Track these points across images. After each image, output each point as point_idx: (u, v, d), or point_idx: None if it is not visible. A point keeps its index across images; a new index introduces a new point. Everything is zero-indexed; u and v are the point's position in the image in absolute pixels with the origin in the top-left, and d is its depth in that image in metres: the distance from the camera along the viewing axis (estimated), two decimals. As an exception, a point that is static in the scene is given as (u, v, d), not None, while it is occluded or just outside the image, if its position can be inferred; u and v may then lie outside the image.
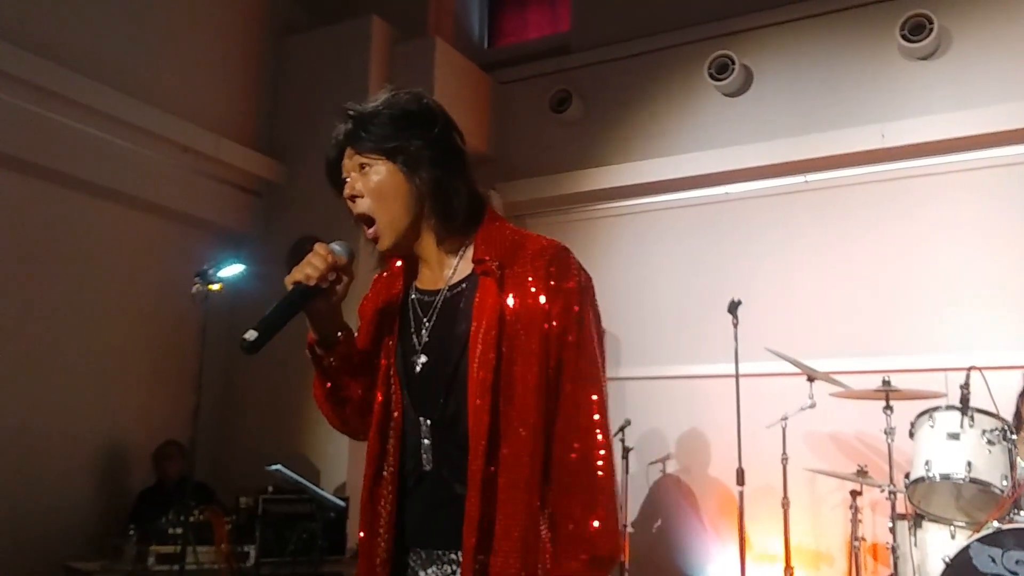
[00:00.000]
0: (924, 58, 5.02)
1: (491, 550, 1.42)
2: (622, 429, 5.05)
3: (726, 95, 5.56)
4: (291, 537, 4.29)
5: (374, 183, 1.54)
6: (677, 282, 5.56)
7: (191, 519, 4.11)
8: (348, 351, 1.62)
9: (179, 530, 4.08)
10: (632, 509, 5.20)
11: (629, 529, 4.97)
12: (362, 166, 1.55)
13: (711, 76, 5.45)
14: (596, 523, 1.44)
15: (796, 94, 5.38)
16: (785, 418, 4.46)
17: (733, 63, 5.39)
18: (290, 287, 1.51)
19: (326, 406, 1.69)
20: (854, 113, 5.13)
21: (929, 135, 4.88)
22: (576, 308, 1.51)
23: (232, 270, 4.25)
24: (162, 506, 4.38)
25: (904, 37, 4.93)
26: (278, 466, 4.09)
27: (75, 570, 4.10)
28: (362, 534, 1.58)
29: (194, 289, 4.05)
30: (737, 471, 4.47)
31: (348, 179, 1.57)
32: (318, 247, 1.54)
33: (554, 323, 1.49)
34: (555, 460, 1.47)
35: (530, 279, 1.50)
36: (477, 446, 1.45)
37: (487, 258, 1.53)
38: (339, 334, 1.60)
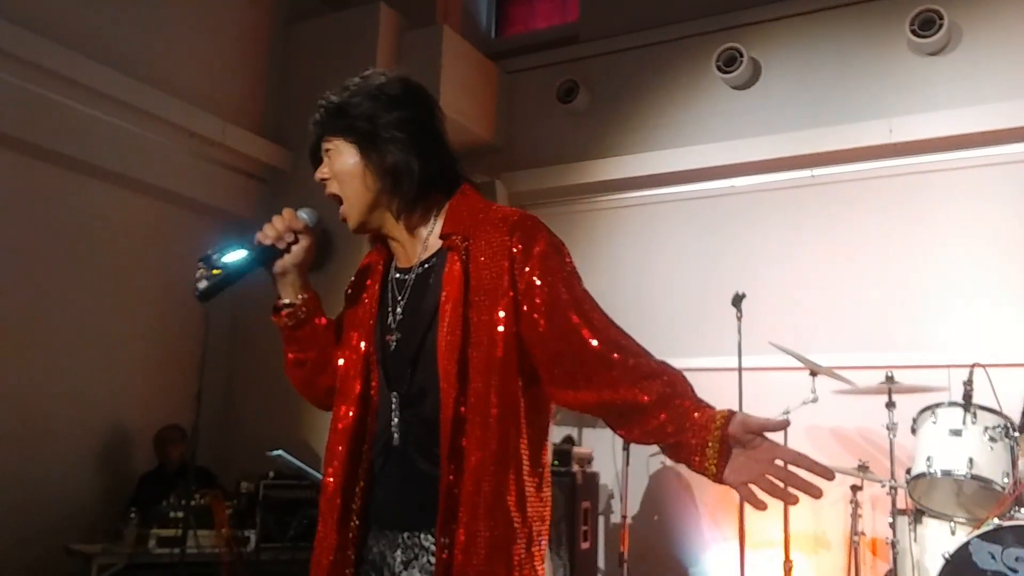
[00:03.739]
0: (933, 54, 4.99)
1: (456, 526, 1.42)
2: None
3: (734, 88, 5.54)
4: (292, 522, 4.30)
5: (337, 165, 1.60)
6: (681, 274, 5.56)
7: (192, 503, 4.12)
8: (306, 315, 1.70)
9: (180, 514, 4.09)
10: (632, 501, 5.20)
11: (629, 521, 4.97)
12: (327, 150, 1.61)
13: (719, 68, 5.43)
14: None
15: (804, 88, 5.36)
16: (787, 412, 4.45)
17: (741, 56, 5.37)
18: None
19: (290, 372, 1.78)
20: (862, 108, 5.11)
21: (937, 131, 4.86)
22: (549, 263, 1.50)
23: (236, 255, 4.24)
24: (163, 490, 4.39)
25: (914, 32, 4.91)
26: (279, 452, 4.10)
27: (76, 552, 4.12)
28: (327, 509, 1.58)
29: (198, 274, 4.05)
30: (738, 465, 4.46)
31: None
32: (284, 211, 1.64)
33: (521, 285, 1.49)
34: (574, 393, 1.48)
35: (493, 252, 1.51)
36: (446, 420, 1.45)
37: (452, 232, 1.55)
38: (300, 297, 1.69)
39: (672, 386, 1.43)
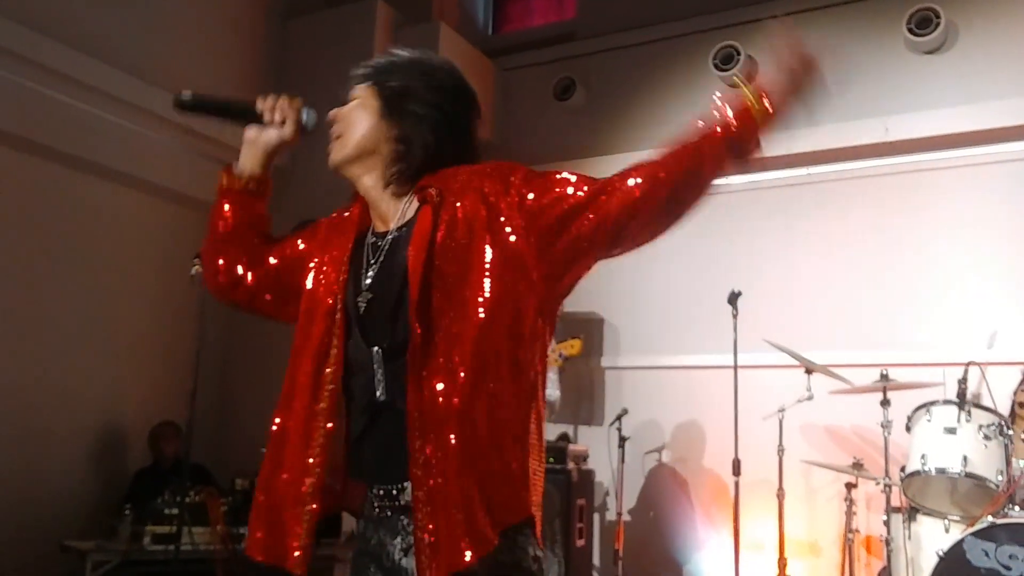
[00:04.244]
0: (930, 52, 5.00)
1: (431, 478, 1.39)
2: (619, 418, 5.06)
3: (730, 86, 5.53)
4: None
5: (352, 105, 1.62)
6: (677, 272, 5.55)
7: (187, 500, 4.11)
8: (247, 187, 1.73)
9: (175, 511, 4.08)
10: (627, 498, 5.21)
11: (625, 518, 4.98)
12: (355, 97, 1.63)
13: (716, 66, 5.43)
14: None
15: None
16: (782, 410, 4.47)
17: (738, 53, 5.37)
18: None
19: (204, 251, 1.78)
20: (858, 106, 5.10)
21: (933, 129, 4.87)
22: (535, 176, 1.57)
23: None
24: (158, 486, 4.38)
25: (910, 31, 4.91)
26: (275, 449, 4.09)
27: (71, 548, 4.11)
28: (276, 471, 1.56)
29: (193, 270, 4.04)
30: (733, 462, 4.48)
31: None
32: (292, 98, 1.69)
33: (503, 208, 1.50)
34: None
35: (467, 195, 1.52)
36: (413, 373, 1.43)
37: (427, 185, 1.55)
38: (253, 171, 1.72)
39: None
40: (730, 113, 1.52)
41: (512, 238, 1.49)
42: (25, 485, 4.49)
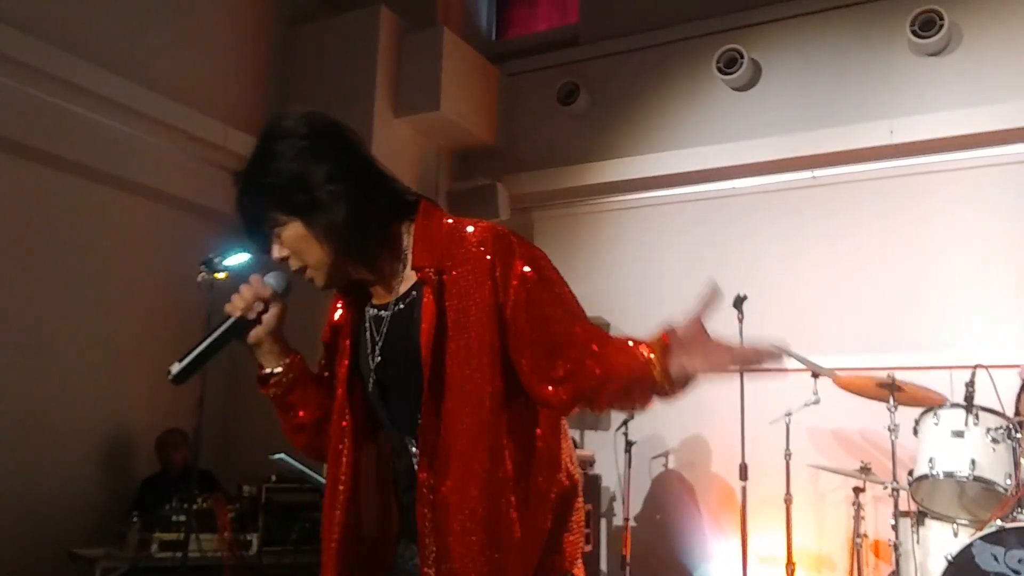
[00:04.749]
0: (934, 54, 4.99)
1: (440, 558, 1.45)
2: (625, 423, 5.06)
3: (734, 89, 5.54)
4: (294, 526, 4.30)
5: (289, 243, 1.54)
6: (682, 276, 5.54)
7: (194, 507, 4.11)
8: (292, 380, 1.67)
9: (182, 518, 4.09)
10: (634, 504, 5.20)
11: (631, 523, 4.97)
12: (275, 233, 1.55)
13: (719, 70, 5.43)
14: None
15: (805, 89, 5.35)
16: (789, 414, 4.46)
17: (742, 57, 5.37)
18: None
19: (292, 439, 1.76)
20: (863, 109, 5.11)
21: (938, 132, 4.86)
22: (532, 278, 1.49)
23: (238, 259, 4.25)
24: (166, 494, 4.39)
25: (914, 33, 4.91)
26: (281, 455, 4.09)
27: (79, 556, 4.12)
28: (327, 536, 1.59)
29: (200, 277, 4.05)
30: (740, 467, 4.47)
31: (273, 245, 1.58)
32: (251, 278, 1.62)
33: (508, 309, 1.48)
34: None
35: (471, 278, 1.49)
36: (422, 458, 1.47)
37: (425, 265, 1.52)
38: (283, 363, 1.66)
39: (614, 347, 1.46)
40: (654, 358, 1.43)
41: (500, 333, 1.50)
42: (33, 492, 4.49)
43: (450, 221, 1.57)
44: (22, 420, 4.53)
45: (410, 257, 1.56)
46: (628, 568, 4.82)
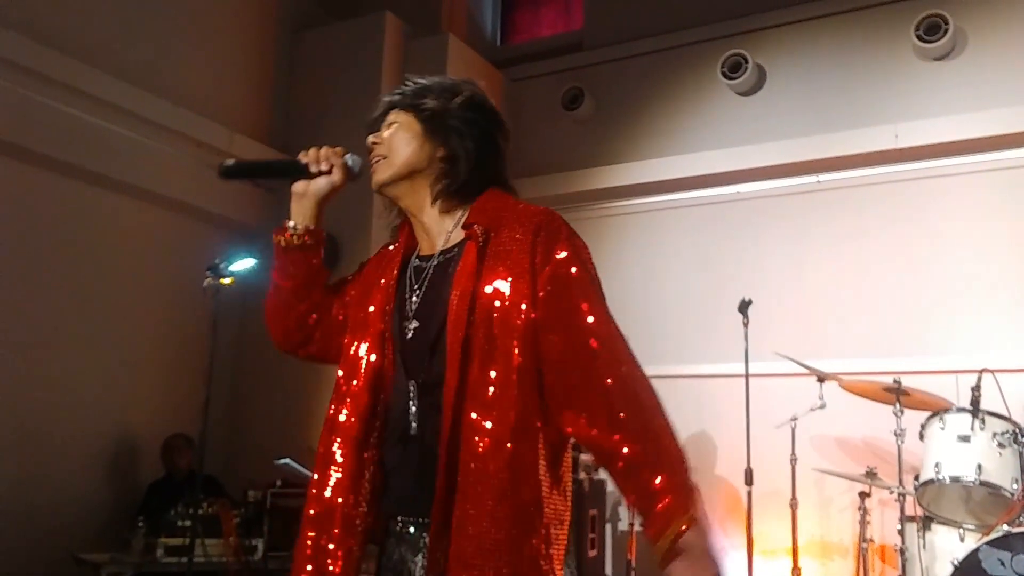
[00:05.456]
0: (939, 58, 4.99)
1: (451, 523, 1.42)
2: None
3: (739, 94, 5.54)
4: (299, 531, 4.30)
5: (394, 129, 1.65)
6: (688, 281, 5.55)
7: (200, 512, 4.12)
8: (304, 243, 1.70)
9: (188, 523, 4.09)
10: (640, 508, 5.18)
11: (637, 528, 4.96)
12: (392, 122, 1.66)
13: (724, 75, 5.43)
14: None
15: (809, 93, 5.35)
16: (794, 419, 4.45)
17: (746, 62, 5.37)
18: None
19: (268, 298, 1.78)
20: (868, 113, 5.10)
21: (943, 136, 4.85)
22: (566, 271, 1.51)
23: (243, 264, 4.26)
24: (171, 498, 4.40)
25: (919, 37, 4.91)
26: (286, 460, 4.10)
27: (85, 561, 4.13)
28: (330, 494, 1.56)
29: (205, 283, 4.06)
30: (746, 471, 4.46)
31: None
32: (336, 148, 1.71)
33: (542, 289, 1.50)
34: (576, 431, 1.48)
35: (515, 247, 1.52)
36: (447, 414, 1.46)
37: (475, 222, 1.57)
38: (307, 226, 1.70)
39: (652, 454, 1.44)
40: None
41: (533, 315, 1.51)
42: (38, 497, 4.50)
43: (513, 200, 1.65)
44: (28, 425, 4.54)
45: (464, 218, 1.62)
46: (633, 572, 4.81)
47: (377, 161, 1.65)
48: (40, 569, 4.31)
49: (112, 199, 5.05)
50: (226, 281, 4.12)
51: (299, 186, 1.69)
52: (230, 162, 1.68)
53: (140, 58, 5.08)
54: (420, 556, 1.50)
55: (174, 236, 5.39)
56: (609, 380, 1.46)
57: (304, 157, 1.68)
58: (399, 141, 1.63)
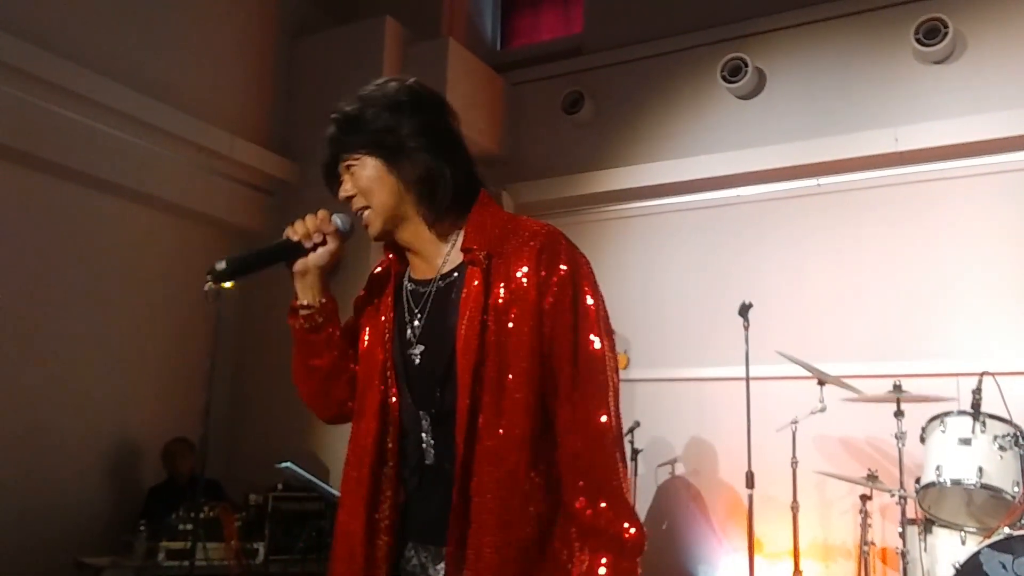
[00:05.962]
0: (938, 62, 5.00)
1: (466, 552, 1.43)
2: (631, 431, 5.05)
3: (739, 97, 5.55)
4: (300, 535, 4.30)
5: (363, 181, 1.57)
6: (688, 284, 5.56)
7: (201, 516, 4.12)
8: (322, 320, 1.66)
9: (189, 526, 4.09)
10: (641, 511, 5.19)
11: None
12: (349, 167, 1.59)
13: (724, 78, 5.44)
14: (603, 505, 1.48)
15: (809, 97, 5.36)
16: (795, 422, 4.45)
17: (746, 65, 5.38)
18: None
19: (300, 381, 1.75)
20: (867, 117, 5.11)
21: (943, 139, 4.86)
22: (570, 291, 1.50)
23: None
24: (172, 502, 4.40)
25: (919, 41, 4.91)
26: (288, 464, 4.10)
27: (86, 565, 4.13)
28: (352, 527, 1.56)
29: (206, 287, 4.06)
30: (747, 474, 4.46)
31: (341, 182, 1.61)
32: (319, 212, 1.62)
33: (546, 310, 1.48)
34: (560, 458, 1.48)
35: (519, 270, 1.50)
36: (460, 441, 1.45)
37: (475, 247, 1.53)
38: (319, 301, 1.65)
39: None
40: None
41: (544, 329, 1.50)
42: (40, 501, 4.51)
43: (506, 214, 1.61)
44: (29, 429, 4.55)
45: (461, 237, 1.58)
46: None
47: (362, 213, 1.59)
48: (42, 573, 4.31)
49: (113, 203, 5.06)
50: (227, 285, 4.12)
51: (299, 265, 1.63)
52: (221, 264, 1.57)
53: (141, 62, 5.09)
54: (442, 564, 1.50)
55: (175, 240, 5.40)
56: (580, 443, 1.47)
57: (293, 234, 1.61)
58: (368, 185, 1.56)
